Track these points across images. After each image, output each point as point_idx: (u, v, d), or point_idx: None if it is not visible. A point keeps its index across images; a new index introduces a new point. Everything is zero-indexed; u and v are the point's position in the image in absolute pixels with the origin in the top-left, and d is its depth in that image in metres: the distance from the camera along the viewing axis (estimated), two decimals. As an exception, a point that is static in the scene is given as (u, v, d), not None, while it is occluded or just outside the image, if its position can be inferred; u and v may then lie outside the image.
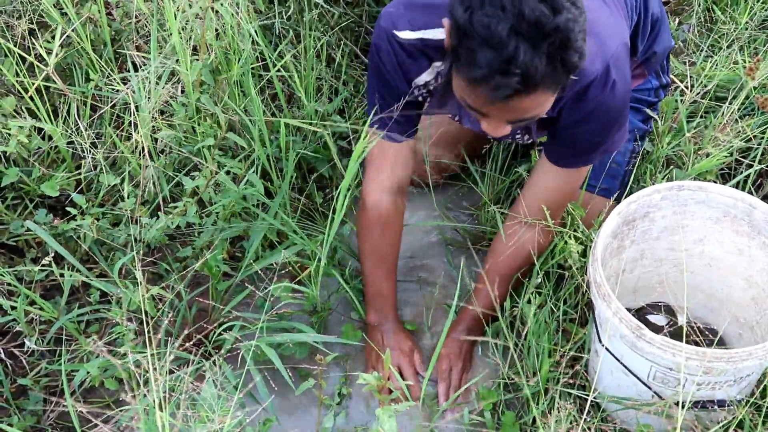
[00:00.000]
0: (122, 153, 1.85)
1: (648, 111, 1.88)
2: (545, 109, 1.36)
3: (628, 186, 1.85)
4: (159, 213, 1.77)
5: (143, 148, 1.78)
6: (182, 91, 1.91)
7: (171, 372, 1.47)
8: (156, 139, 1.88)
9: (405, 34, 1.51)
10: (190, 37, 1.90)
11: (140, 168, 1.81)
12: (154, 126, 1.82)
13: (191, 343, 1.73)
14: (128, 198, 1.78)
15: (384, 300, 1.82)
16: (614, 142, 1.59)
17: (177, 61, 1.81)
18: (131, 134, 1.84)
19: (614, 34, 1.50)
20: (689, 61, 2.29)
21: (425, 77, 1.57)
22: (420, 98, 1.62)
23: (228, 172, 1.84)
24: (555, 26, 1.20)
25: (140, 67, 1.89)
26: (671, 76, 2.03)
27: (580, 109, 1.50)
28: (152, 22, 1.86)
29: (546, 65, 1.22)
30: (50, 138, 1.88)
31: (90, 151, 1.87)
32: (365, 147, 1.61)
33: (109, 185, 1.82)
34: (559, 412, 1.38)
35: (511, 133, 1.68)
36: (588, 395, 1.49)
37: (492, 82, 1.24)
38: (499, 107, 1.31)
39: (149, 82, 1.78)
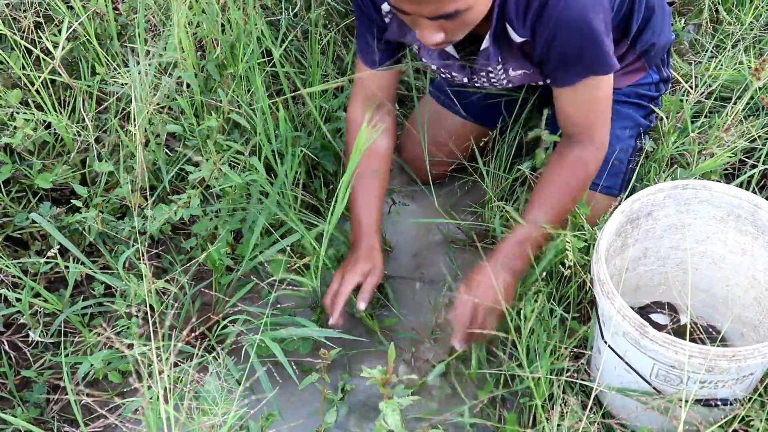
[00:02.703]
0: (122, 143, 1.85)
1: (650, 105, 1.88)
2: (465, 4, 1.36)
3: (631, 183, 1.85)
4: (162, 204, 1.77)
5: (142, 140, 1.78)
6: (188, 86, 1.91)
7: (175, 365, 1.47)
8: (158, 134, 1.88)
9: None
10: (195, 33, 1.91)
11: (135, 150, 1.81)
12: (151, 119, 1.82)
13: (194, 336, 1.73)
14: (124, 185, 1.78)
15: (359, 215, 1.78)
16: (601, 45, 1.53)
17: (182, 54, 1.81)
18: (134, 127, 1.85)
19: None
20: (694, 61, 2.29)
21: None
22: (390, 27, 1.66)
23: (231, 167, 1.85)
24: None
25: (140, 59, 1.89)
26: (673, 73, 2.03)
27: (546, 19, 1.48)
28: (139, 13, 1.86)
29: None
30: (55, 129, 1.89)
31: (94, 145, 1.87)
32: (364, 146, 1.61)
33: (104, 173, 1.82)
34: (563, 405, 1.38)
35: (476, 70, 1.69)
36: (591, 391, 1.49)
37: None
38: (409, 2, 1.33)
39: (146, 74, 1.78)
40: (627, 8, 1.70)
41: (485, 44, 1.60)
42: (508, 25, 1.54)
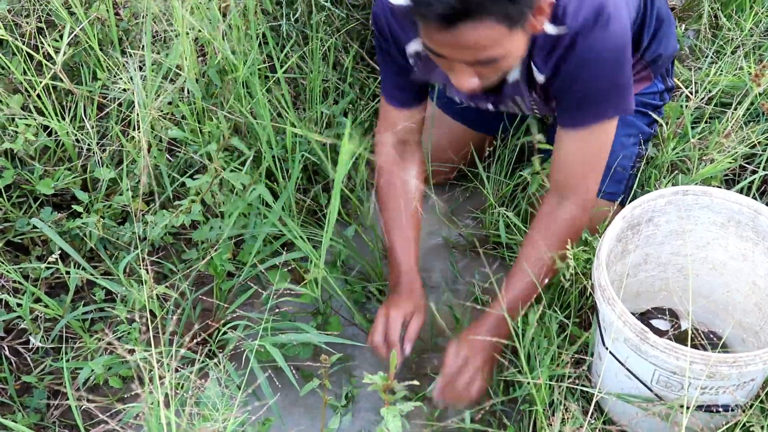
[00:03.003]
0: (123, 148, 1.85)
1: (653, 114, 1.89)
2: (506, 51, 1.36)
3: (633, 190, 1.85)
4: (163, 211, 1.77)
5: (144, 145, 1.78)
6: (189, 91, 1.92)
7: (176, 370, 1.47)
8: (161, 138, 1.88)
9: (396, 0, 1.51)
10: (196, 38, 1.91)
11: (138, 158, 1.81)
12: (153, 125, 1.83)
13: (195, 342, 1.73)
14: (126, 191, 1.78)
15: (397, 257, 1.74)
16: (625, 92, 1.53)
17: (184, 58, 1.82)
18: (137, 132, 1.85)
19: None
20: (694, 66, 2.30)
21: (415, 46, 1.58)
22: (416, 68, 1.64)
23: (233, 170, 1.85)
24: None
25: (146, 64, 1.89)
26: (676, 81, 2.03)
27: (572, 57, 1.47)
28: (146, 18, 1.86)
29: None
30: (57, 134, 1.89)
31: (95, 151, 1.88)
32: (352, 153, 1.60)
33: (106, 179, 1.82)
34: (564, 412, 1.38)
35: (503, 98, 1.68)
36: (592, 397, 1.49)
37: (432, 3, 1.25)
38: (449, 40, 1.31)
39: (148, 79, 1.79)
40: (639, 21, 1.69)
41: (512, 78, 1.60)
42: (533, 64, 1.54)
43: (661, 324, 1.79)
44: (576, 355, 1.60)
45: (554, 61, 1.49)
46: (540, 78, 1.55)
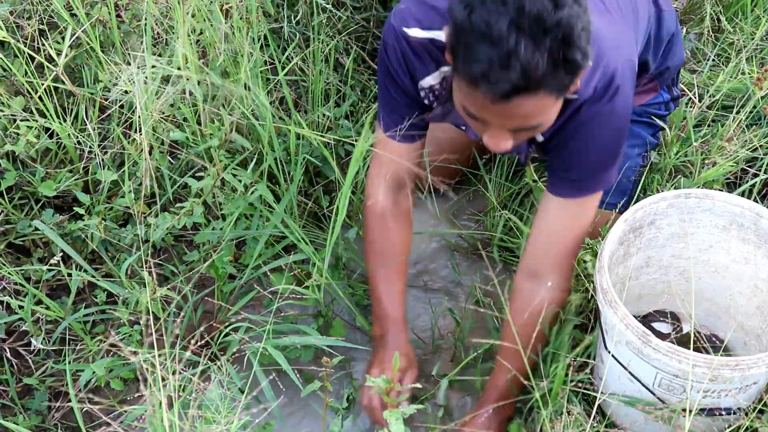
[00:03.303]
0: (125, 151, 1.85)
1: (659, 122, 1.88)
2: (548, 118, 1.32)
3: (635, 196, 1.85)
4: (165, 213, 1.77)
5: (145, 147, 1.78)
6: (190, 93, 1.91)
7: (178, 373, 1.47)
8: (163, 141, 1.88)
9: (414, 32, 1.47)
10: (198, 40, 1.91)
11: (139, 159, 1.80)
12: (155, 127, 1.82)
13: (198, 345, 1.73)
14: (127, 193, 1.77)
15: (384, 309, 1.73)
16: (614, 166, 1.52)
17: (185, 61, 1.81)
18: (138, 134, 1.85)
19: (616, 49, 1.45)
20: (696, 70, 2.30)
21: (431, 80, 1.53)
22: (426, 101, 1.59)
23: (234, 175, 1.85)
24: (557, 21, 1.16)
25: (147, 66, 1.89)
26: (681, 87, 2.03)
27: (574, 123, 1.45)
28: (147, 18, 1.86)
29: (547, 62, 1.18)
30: (59, 137, 1.89)
31: (97, 153, 1.87)
32: (364, 152, 1.60)
33: (107, 181, 1.82)
34: (567, 415, 1.38)
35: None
36: (594, 401, 1.49)
37: (492, 77, 1.19)
38: (499, 110, 1.26)
39: (149, 81, 1.78)
40: (645, 46, 1.67)
41: None
42: None
43: (662, 327, 1.79)
44: (578, 358, 1.60)
45: (558, 124, 1.45)
46: (540, 138, 1.53)
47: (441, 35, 1.43)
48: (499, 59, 1.17)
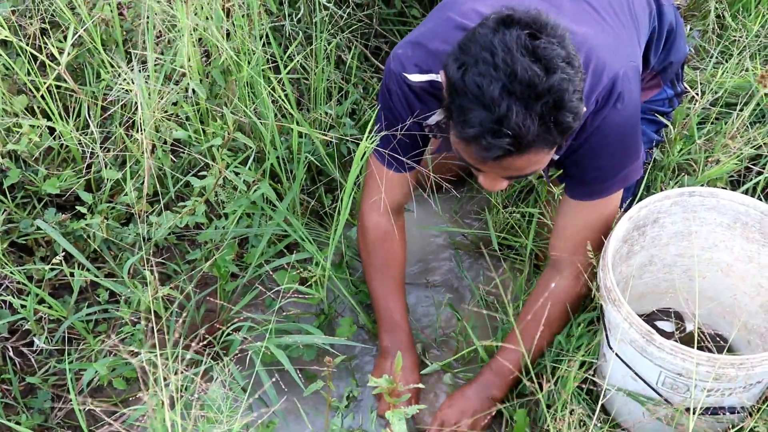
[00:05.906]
0: (127, 150, 1.85)
1: (662, 119, 1.88)
2: (541, 166, 1.35)
3: (639, 194, 1.84)
4: (167, 212, 1.77)
5: (147, 146, 1.78)
6: (193, 92, 1.91)
7: (181, 372, 1.47)
8: (165, 140, 1.88)
9: (414, 77, 1.50)
10: (200, 39, 1.91)
11: (142, 159, 1.80)
12: (158, 126, 1.82)
13: (201, 345, 1.73)
14: (129, 193, 1.77)
15: (395, 321, 1.76)
16: (631, 165, 1.54)
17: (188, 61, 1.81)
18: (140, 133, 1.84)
19: (613, 55, 1.46)
20: (699, 67, 2.29)
21: (436, 117, 1.55)
22: (431, 135, 1.62)
23: (237, 174, 1.85)
24: (548, 87, 1.20)
25: (148, 65, 1.89)
26: (684, 84, 2.02)
27: (582, 134, 1.47)
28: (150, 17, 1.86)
29: (539, 126, 1.21)
30: (61, 137, 1.89)
31: (99, 152, 1.87)
32: (364, 154, 1.60)
33: (110, 180, 1.82)
34: (570, 414, 1.38)
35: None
36: (598, 399, 1.48)
37: (483, 142, 1.23)
38: (492, 165, 1.32)
39: (153, 80, 1.78)
40: (647, 42, 1.68)
41: None
42: None
43: (666, 326, 1.78)
44: (581, 357, 1.59)
45: (567, 143, 1.47)
46: (555, 156, 1.54)
47: (439, 77, 1.45)
48: (491, 125, 1.22)
